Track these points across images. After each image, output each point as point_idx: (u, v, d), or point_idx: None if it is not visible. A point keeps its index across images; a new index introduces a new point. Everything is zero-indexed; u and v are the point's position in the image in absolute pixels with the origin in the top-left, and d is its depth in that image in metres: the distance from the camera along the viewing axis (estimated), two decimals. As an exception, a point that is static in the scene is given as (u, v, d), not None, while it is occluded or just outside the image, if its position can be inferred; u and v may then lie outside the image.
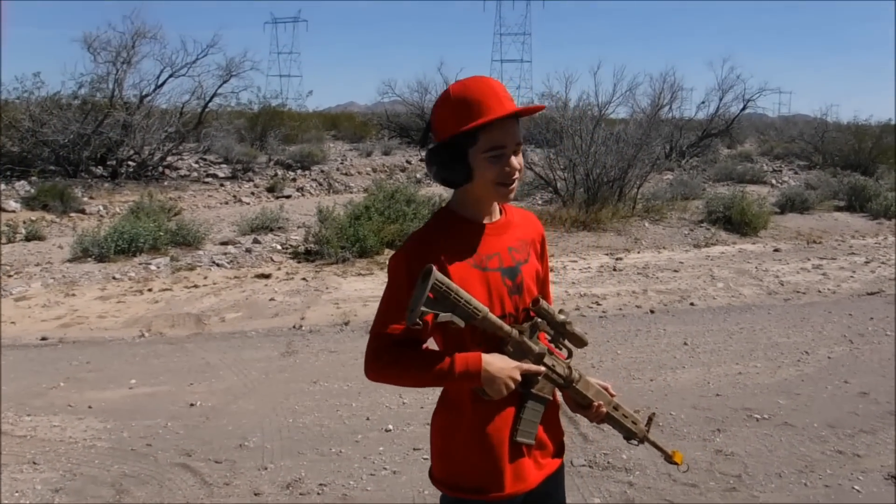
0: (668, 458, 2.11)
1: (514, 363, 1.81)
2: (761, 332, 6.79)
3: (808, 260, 10.45)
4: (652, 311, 7.58)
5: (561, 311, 1.88)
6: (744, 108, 26.43)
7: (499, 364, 1.78)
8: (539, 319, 1.88)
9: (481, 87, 1.78)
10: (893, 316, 7.48)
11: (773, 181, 19.90)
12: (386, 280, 1.86)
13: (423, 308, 1.67)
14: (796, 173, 22.86)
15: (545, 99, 16.30)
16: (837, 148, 24.67)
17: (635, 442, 2.08)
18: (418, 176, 19.01)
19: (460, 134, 1.76)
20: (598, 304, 7.81)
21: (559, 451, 2.05)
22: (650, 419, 2.10)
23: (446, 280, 1.71)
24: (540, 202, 14.60)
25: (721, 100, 25.69)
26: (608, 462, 4.16)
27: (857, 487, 3.91)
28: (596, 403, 1.99)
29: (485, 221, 1.89)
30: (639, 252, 10.74)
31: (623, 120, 13.74)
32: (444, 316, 1.70)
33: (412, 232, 1.89)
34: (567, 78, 20.63)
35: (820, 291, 8.63)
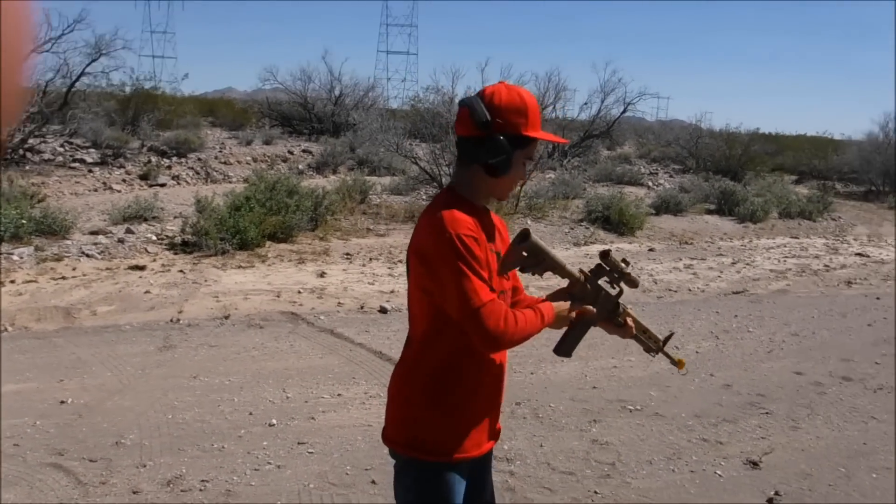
0: (674, 363, 2.55)
1: (576, 307, 2.23)
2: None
3: (680, 260, 11.13)
4: (533, 308, 7.91)
5: (623, 260, 2.27)
6: (624, 111, 27.52)
7: (562, 307, 2.19)
8: (605, 265, 2.25)
9: (535, 102, 2.11)
10: (755, 314, 8.12)
11: (650, 183, 20.92)
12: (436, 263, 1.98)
13: (517, 263, 2.10)
14: (671, 176, 24.10)
15: (431, 92, 16.53)
16: (710, 153, 26.13)
17: (653, 355, 2.55)
18: (301, 167, 18.87)
19: (522, 136, 2.05)
20: (481, 300, 8.08)
21: (498, 432, 2.32)
22: (668, 338, 2.54)
23: (538, 241, 2.09)
24: (425, 198, 14.82)
25: (603, 102, 26.67)
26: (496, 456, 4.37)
27: (718, 472, 4.30)
28: (628, 324, 2.38)
29: None
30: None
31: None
32: (538, 270, 2.11)
33: (445, 212, 2.00)
34: (454, 73, 20.87)
35: (690, 290, 9.24)
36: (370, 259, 9.80)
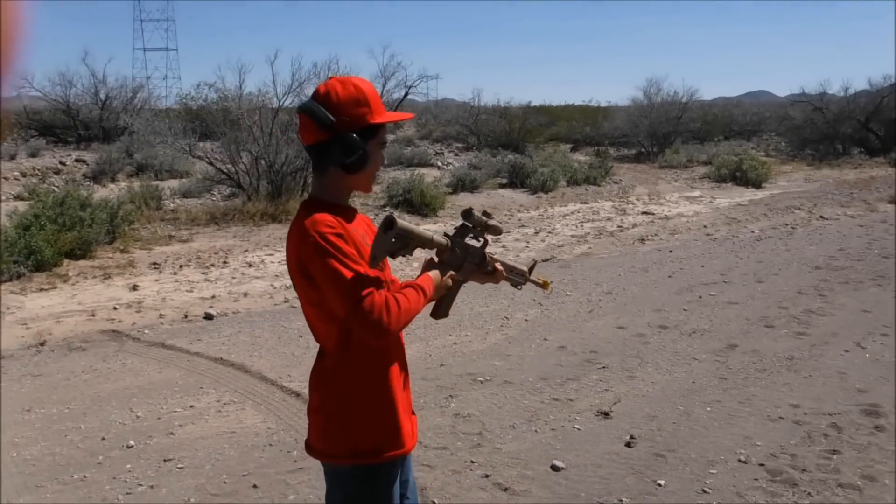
0: (540, 285, 2.70)
1: (449, 273, 2.27)
2: (463, 304, 7.49)
3: (487, 235, 11.62)
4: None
5: (485, 213, 2.34)
6: (406, 94, 28.07)
7: (439, 277, 2.22)
8: (468, 224, 2.31)
9: (372, 86, 2.11)
10: (568, 278, 8.69)
11: (439, 164, 21.56)
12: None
13: (387, 251, 2.07)
14: (457, 155, 24.98)
15: (204, 88, 15.98)
16: (490, 129, 27.36)
17: (521, 287, 2.66)
18: (77, 178, 17.57)
19: (370, 126, 2.06)
20: (305, 294, 8.03)
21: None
22: (532, 267, 2.67)
23: (405, 224, 2.08)
24: (217, 196, 14.39)
25: (384, 86, 27.02)
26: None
27: (577, 426, 4.63)
28: (497, 270, 2.47)
29: None
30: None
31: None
32: (407, 251, 2.11)
33: (306, 220, 1.99)
34: (241, 67, 20.23)
35: (504, 262, 9.70)
36: (180, 266, 9.40)
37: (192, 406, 4.99)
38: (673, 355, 5.96)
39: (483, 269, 2.44)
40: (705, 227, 12.55)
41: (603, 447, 4.34)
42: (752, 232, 12.01)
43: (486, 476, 4.00)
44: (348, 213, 2.12)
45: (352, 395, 2.12)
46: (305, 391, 5.11)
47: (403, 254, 2.13)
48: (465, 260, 2.37)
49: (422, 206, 13.03)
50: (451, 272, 2.30)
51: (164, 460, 4.19)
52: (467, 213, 2.35)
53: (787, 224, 12.75)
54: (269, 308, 7.60)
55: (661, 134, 27.00)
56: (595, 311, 7.33)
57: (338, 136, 2.02)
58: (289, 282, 8.51)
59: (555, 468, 4.08)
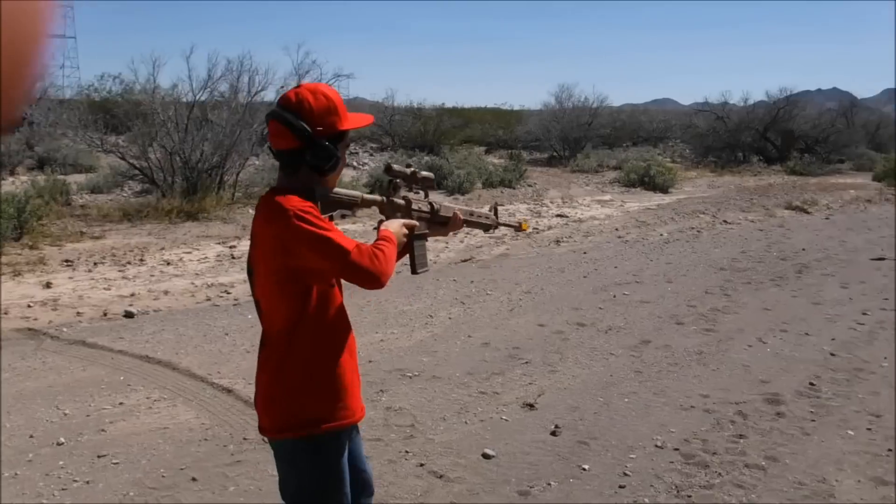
0: (518, 228, 2.97)
1: (399, 222, 2.50)
2: (387, 303, 7.69)
3: (407, 235, 11.83)
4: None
5: (407, 165, 2.55)
6: (321, 93, 28.01)
7: (394, 227, 2.46)
8: (396, 179, 2.54)
9: (338, 93, 2.29)
10: (488, 278, 8.99)
11: (355, 164, 21.65)
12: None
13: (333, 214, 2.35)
14: (372, 155, 25.11)
15: (118, 81, 15.69)
16: (405, 130, 27.57)
17: (492, 230, 2.87)
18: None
19: (342, 131, 2.27)
20: (228, 293, 8.09)
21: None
22: (495, 209, 2.87)
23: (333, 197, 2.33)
24: (128, 192, 14.16)
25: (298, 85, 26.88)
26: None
27: (504, 418, 4.89)
28: (455, 217, 2.72)
29: None
30: (248, 239, 11.13)
31: (218, 103, 13.86)
32: (343, 209, 2.40)
33: (278, 198, 2.21)
34: (155, 61, 19.79)
35: (425, 262, 9.92)
36: (95, 264, 9.27)
37: (121, 403, 5.03)
38: (591, 351, 6.30)
39: (437, 218, 2.67)
40: (617, 229, 13.07)
41: (530, 436, 4.61)
42: (661, 235, 12.58)
43: (421, 465, 4.22)
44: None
45: (304, 369, 2.30)
46: (237, 387, 5.29)
47: (343, 216, 2.43)
48: (411, 213, 2.58)
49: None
50: (406, 221, 2.53)
51: (98, 456, 4.24)
52: (388, 169, 2.57)
53: (693, 228, 13.38)
54: (192, 306, 7.62)
55: (573, 139, 27.75)
56: (516, 309, 7.64)
57: (312, 143, 2.21)
58: (211, 280, 8.58)
59: (486, 456, 4.32)
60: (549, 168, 25.00)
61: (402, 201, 2.59)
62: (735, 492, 3.94)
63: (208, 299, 7.85)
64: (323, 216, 2.24)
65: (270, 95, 14.72)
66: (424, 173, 2.63)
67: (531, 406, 5.08)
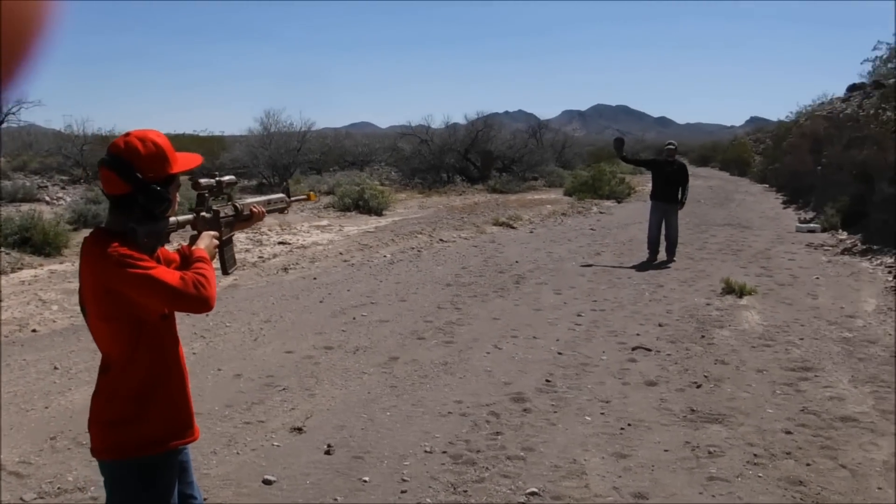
0: (307, 199, 3.44)
1: (208, 237, 2.74)
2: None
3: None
4: (-5, 345, 7.50)
5: (210, 175, 2.78)
6: (2, 122, 25.72)
7: (206, 244, 2.71)
8: (204, 192, 2.75)
9: (166, 139, 2.45)
10: (222, 310, 8.96)
11: (48, 198, 20.17)
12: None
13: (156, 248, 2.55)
14: (65, 188, 23.48)
15: None
16: (98, 160, 26.07)
17: (287, 211, 3.26)
18: None
19: (172, 175, 2.42)
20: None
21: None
22: (287, 189, 3.22)
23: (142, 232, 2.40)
24: None
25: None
26: (58, 488, 4.40)
27: (275, 444, 5.03)
28: (257, 210, 2.99)
29: None
30: None
31: None
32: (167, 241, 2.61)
33: (106, 247, 2.33)
34: None
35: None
36: None
37: None
38: (344, 372, 6.59)
39: (241, 217, 2.94)
40: (341, 253, 13.49)
41: (305, 458, 4.80)
42: (385, 256, 13.19)
43: (205, 499, 4.25)
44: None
45: (137, 395, 2.46)
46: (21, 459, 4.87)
47: (163, 244, 2.60)
48: (218, 221, 2.82)
49: (44, 244, 12.26)
50: (214, 233, 2.77)
51: None
52: (196, 185, 2.79)
53: (413, 248, 14.17)
54: None
55: (282, 165, 27.93)
56: (259, 338, 7.72)
57: (144, 188, 2.34)
58: None
59: (267, 482, 4.46)
60: (260, 195, 24.93)
61: (210, 214, 2.81)
62: (503, 482, 4.44)
63: None
64: (143, 254, 2.35)
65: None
66: (227, 178, 2.87)
67: (299, 430, 5.26)
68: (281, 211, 3.24)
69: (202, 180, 2.77)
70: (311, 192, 3.48)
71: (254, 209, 2.99)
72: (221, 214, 2.85)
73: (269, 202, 3.13)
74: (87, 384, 6.21)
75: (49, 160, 29.34)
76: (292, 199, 3.27)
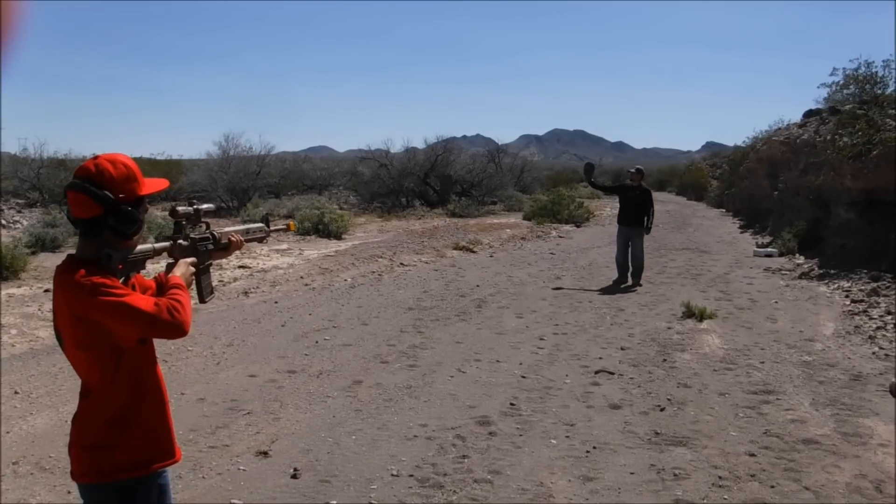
0: (286, 229, 3.37)
1: (185, 264, 2.78)
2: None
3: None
4: (-50, 371, 7.38)
5: (189, 203, 2.84)
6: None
7: (181, 271, 2.75)
8: (182, 220, 2.80)
9: (133, 161, 2.49)
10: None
11: (3, 222, 19.85)
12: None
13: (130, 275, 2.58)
14: (20, 212, 23.11)
15: None
16: (55, 183, 25.79)
17: (266, 240, 3.25)
18: None
19: (142, 197, 2.47)
20: None
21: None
22: (266, 219, 3.24)
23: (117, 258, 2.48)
24: None
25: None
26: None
27: (241, 468, 5.03)
28: (235, 239, 3.02)
29: None
30: None
31: None
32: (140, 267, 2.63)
33: (77, 275, 2.36)
34: None
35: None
36: None
37: None
38: (308, 395, 6.60)
39: (219, 246, 2.97)
40: (302, 277, 13.48)
41: (272, 482, 4.81)
42: (346, 280, 13.22)
43: (171, 523, 4.24)
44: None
45: (117, 418, 2.49)
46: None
47: (138, 270, 2.62)
48: (197, 248, 2.86)
49: (1, 268, 12.09)
50: (191, 260, 2.82)
51: None
52: (174, 212, 2.84)
53: (374, 272, 14.20)
54: None
55: (241, 189, 27.83)
56: (222, 362, 7.70)
57: (116, 209, 2.39)
58: None
59: (234, 506, 4.46)
60: (219, 219, 24.77)
61: (187, 242, 2.85)
62: (471, 504, 4.50)
63: None
64: (118, 281, 2.40)
65: None
66: (205, 207, 2.91)
67: (265, 454, 5.27)
68: (260, 240, 3.27)
69: (180, 208, 2.81)
70: (291, 222, 3.54)
71: (232, 238, 3.03)
72: (200, 243, 2.89)
73: (247, 231, 3.17)
74: (49, 408, 6.17)
75: (4, 183, 28.87)
76: (272, 228, 3.31)
